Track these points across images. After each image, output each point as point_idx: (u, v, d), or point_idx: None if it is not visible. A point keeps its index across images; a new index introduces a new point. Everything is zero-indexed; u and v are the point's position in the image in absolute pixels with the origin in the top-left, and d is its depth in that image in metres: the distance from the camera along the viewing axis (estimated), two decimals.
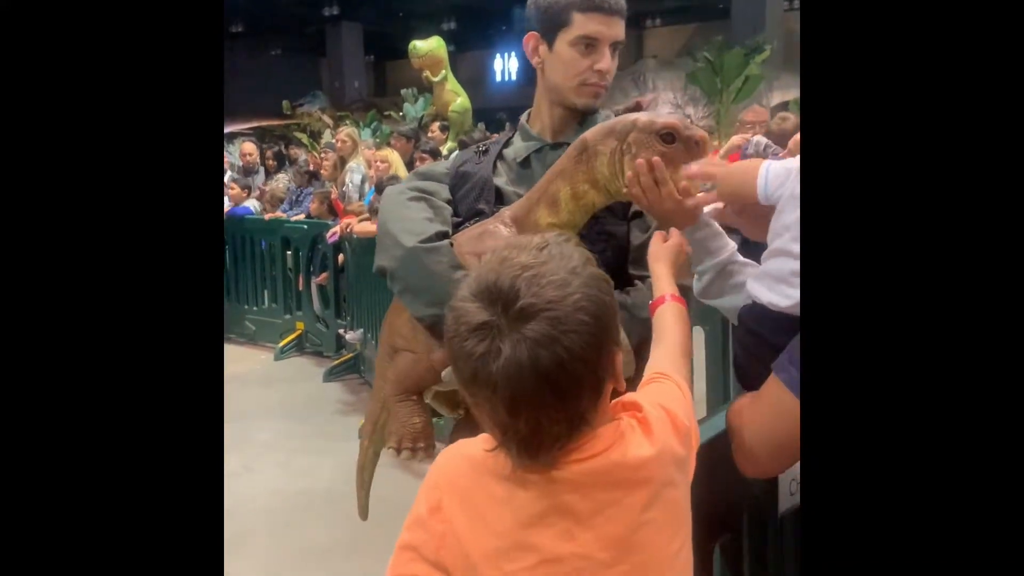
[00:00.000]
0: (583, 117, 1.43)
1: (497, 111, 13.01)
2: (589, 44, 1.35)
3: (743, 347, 1.11)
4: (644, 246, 1.33)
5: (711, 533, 1.11)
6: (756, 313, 1.07)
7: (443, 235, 1.33)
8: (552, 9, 1.36)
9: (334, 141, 6.23)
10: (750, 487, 1.13)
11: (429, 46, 7.20)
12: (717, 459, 1.01)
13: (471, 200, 1.42)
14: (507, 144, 1.50)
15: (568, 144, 1.36)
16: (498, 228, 1.26)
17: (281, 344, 5.27)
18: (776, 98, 9.58)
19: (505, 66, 16.91)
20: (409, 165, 5.43)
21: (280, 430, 3.93)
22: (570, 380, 0.72)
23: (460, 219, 1.40)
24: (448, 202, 1.44)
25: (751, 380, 1.05)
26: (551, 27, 1.37)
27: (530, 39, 1.41)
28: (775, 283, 1.03)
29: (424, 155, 4.97)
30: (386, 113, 12.98)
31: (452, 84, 7.31)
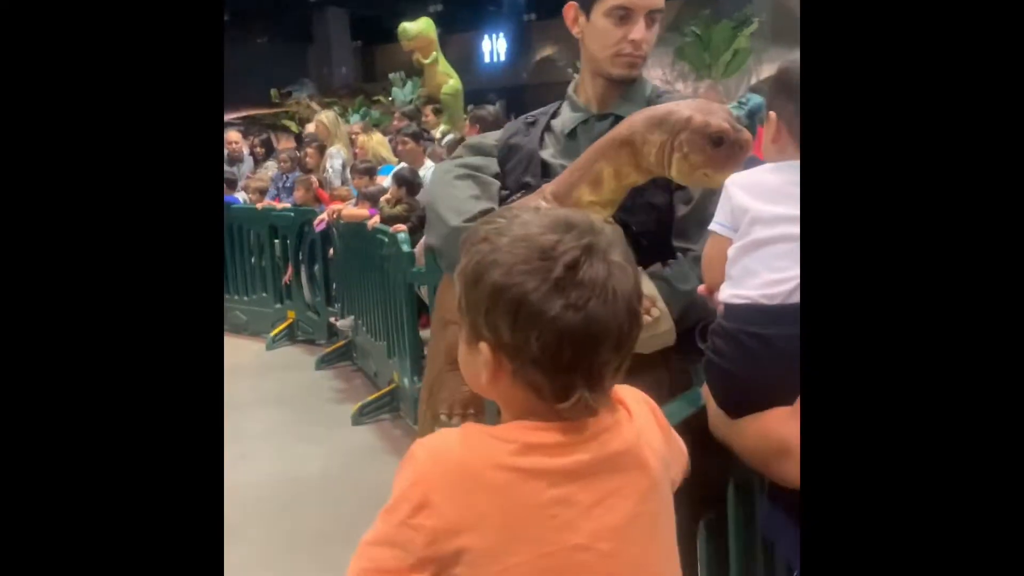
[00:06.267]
0: (624, 87, 1.43)
1: (487, 92, 12.92)
2: (623, 14, 1.35)
3: (744, 355, 0.99)
4: (687, 218, 1.36)
5: (695, 512, 1.10)
6: (752, 313, 0.99)
7: (488, 212, 1.34)
8: None
9: (313, 131, 6.18)
10: (735, 463, 1.12)
11: (419, 27, 7.12)
12: (697, 438, 0.99)
13: (518, 173, 1.45)
14: (555, 115, 1.51)
15: (613, 115, 1.41)
16: (540, 205, 1.27)
17: (273, 333, 5.24)
18: (765, 71, 9.49)
19: (494, 47, 16.75)
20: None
21: (274, 419, 3.92)
22: (638, 311, 0.76)
23: (508, 192, 1.43)
24: (496, 175, 1.48)
25: (758, 392, 0.98)
26: None
27: (569, 9, 1.42)
28: (767, 273, 0.98)
29: (405, 139, 4.91)
30: (375, 98, 12.88)
31: (443, 66, 7.24)
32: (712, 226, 1.08)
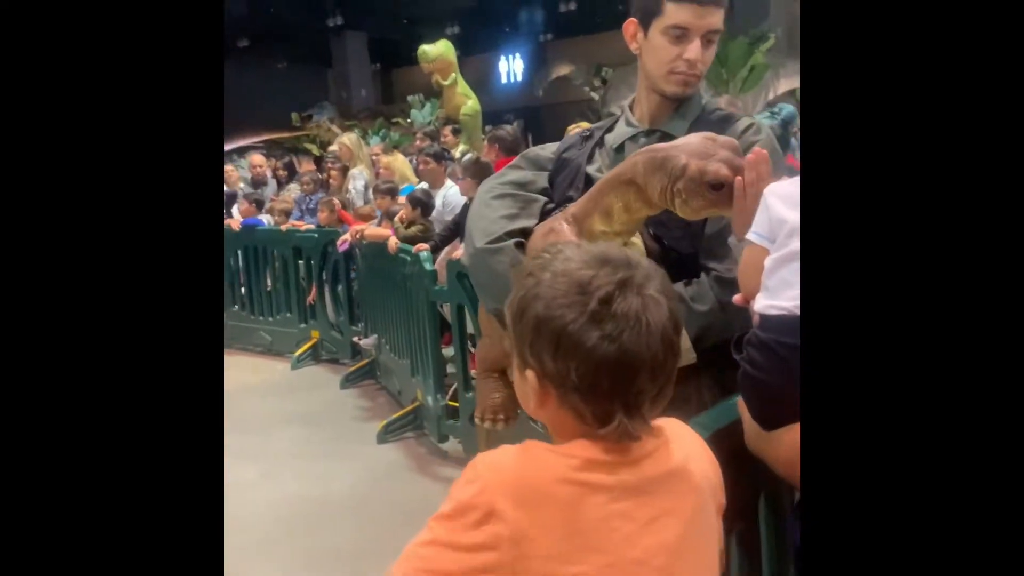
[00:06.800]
0: (678, 103, 1.46)
1: (504, 112, 13.00)
2: (680, 33, 1.37)
3: (780, 365, 0.96)
4: (715, 237, 1.35)
5: (727, 525, 1.10)
6: (788, 323, 0.96)
7: (520, 232, 1.39)
8: None
9: (336, 150, 6.25)
10: (766, 475, 1.12)
11: (438, 50, 7.19)
12: (726, 451, 1.00)
13: (564, 187, 1.48)
14: (610, 129, 1.54)
15: (661, 132, 1.43)
16: (561, 226, 1.29)
17: (297, 353, 5.29)
18: (783, 86, 9.49)
19: (511, 68, 16.88)
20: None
21: (299, 438, 3.95)
22: (675, 342, 0.79)
23: (554, 206, 1.46)
24: (544, 190, 1.51)
25: (793, 403, 0.91)
26: (646, 15, 1.40)
27: (629, 25, 1.45)
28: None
29: (427, 159, 4.96)
30: (394, 120, 13.02)
31: (462, 87, 7.29)
32: (749, 235, 1.08)
